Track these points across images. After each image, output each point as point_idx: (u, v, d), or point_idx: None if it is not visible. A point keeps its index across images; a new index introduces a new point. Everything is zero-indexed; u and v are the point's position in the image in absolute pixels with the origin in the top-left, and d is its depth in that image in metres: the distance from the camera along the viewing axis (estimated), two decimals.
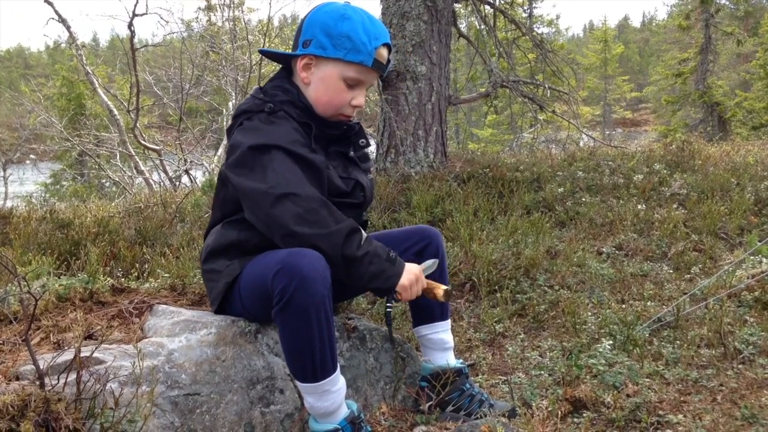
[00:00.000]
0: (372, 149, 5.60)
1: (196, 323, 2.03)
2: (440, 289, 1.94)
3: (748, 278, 3.32)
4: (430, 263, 2.01)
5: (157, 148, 9.51)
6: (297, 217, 1.75)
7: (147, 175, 9.89)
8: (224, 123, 11.18)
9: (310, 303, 1.70)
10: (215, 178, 6.11)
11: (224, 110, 11.63)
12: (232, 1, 12.14)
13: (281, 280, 1.70)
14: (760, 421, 2.00)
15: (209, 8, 15.33)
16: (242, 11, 12.67)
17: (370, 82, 2.03)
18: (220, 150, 10.53)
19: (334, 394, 1.82)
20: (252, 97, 2.03)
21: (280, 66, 2.10)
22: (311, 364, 1.77)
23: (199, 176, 10.04)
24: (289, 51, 2.04)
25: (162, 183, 8.98)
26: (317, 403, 1.82)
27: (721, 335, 2.66)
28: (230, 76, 11.42)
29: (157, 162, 9.76)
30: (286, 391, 2.00)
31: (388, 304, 1.89)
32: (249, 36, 11.67)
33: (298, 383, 1.84)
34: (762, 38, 27.19)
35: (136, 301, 2.26)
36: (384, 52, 1.97)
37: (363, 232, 1.84)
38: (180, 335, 1.98)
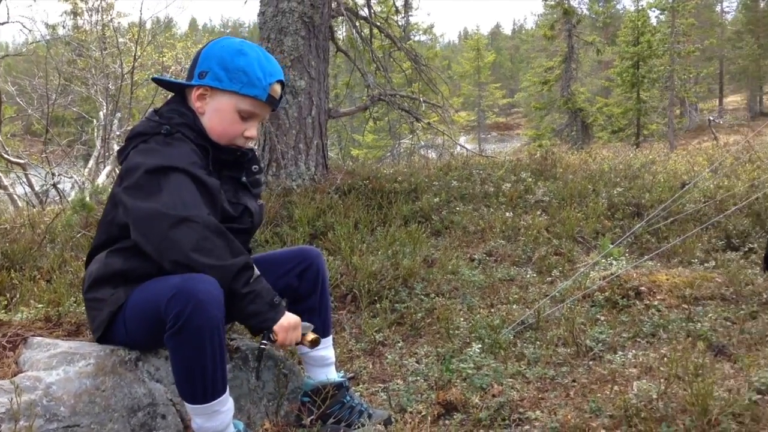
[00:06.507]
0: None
1: (74, 355, 2.03)
2: (308, 337, 2.01)
3: (600, 280, 3.67)
4: (308, 326, 2.07)
5: (22, 161, 8.95)
6: (194, 244, 1.80)
7: (11, 190, 9.28)
8: (94, 133, 10.68)
9: (204, 326, 1.76)
10: (87, 195, 5.87)
11: (95, 120, 11.12)
12: (100, 5, 11.62)
13: (177, 305, 1.75)
14: (604, 413, 2.26)
15: (76, 13, 14.54)
16: (111, 16, 12.16)
17: (263, 116, 2.13)
18: (91, 162, 10.06)
19: (223, 414, 1.88)
20: (147, 119, 2.07)
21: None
22: (202, 386, 1.82)
23: (67, 188, 9.57)
24: (183, 80, 2.11)
25: (28, 199, 8.46)
26: (206, 424, 1.87)
27: (574, 334, 2.95)
28: (100, 84, 10.94)
29: (21, 176, 9.19)
30: (168, 416, 2.04)
31: (263, 341, 1.93)
32: (120, 39, 11.24)
33: (187, 405, 1.89)
34: (620, 47, 29.49)
35: (9, 334, 2.20)
36: (278, 88, 2.09)
37: (255, 270, 1.90)
38: (58, 368, 1.97)
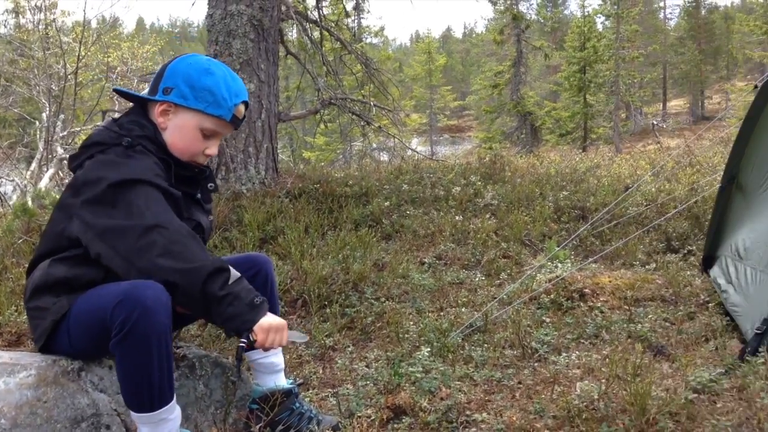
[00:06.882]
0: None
1: (14, 366, 1.98)
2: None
3: (546, 282, 3.76)
4: (299, 336, 2.04)
5: None
6: (162, 249, 1.78)
7: None
8: (37, 135, 10.36)
9: (151, 333, 1.74)
10: (29, 200, 5.69)
11: (37, 122, 10.79)
12: (43, 3, 11.28)
13: (123, 311, 1.73)
14: (548, 414, 2.32)
15: (17, 12, 14.05)
16: (54, 15, 11.81)
17: (224, 135, 2.16)
18: (33, 165, 9.76)
19: (170, 423, 1.86)
20: (105, 128, 2.04)
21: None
22: (149, 394, 1.80)
23: (9, 192, 9.28)
24: (143, 91, 2.09)
25: None
26: None
27: (520, 337, 3.02)
28: (43, 84, 10.63)
29: None
30: (112, 427, 2.01)
31: (242, 340, 1.83)
32: (63, 39, 10.93)
33: (133, 414, 1.86)
34: (567, 52, 30.16)
35: None
36: (242, 108, 2.11)
37: (233, 271, 1.84)
38: None
